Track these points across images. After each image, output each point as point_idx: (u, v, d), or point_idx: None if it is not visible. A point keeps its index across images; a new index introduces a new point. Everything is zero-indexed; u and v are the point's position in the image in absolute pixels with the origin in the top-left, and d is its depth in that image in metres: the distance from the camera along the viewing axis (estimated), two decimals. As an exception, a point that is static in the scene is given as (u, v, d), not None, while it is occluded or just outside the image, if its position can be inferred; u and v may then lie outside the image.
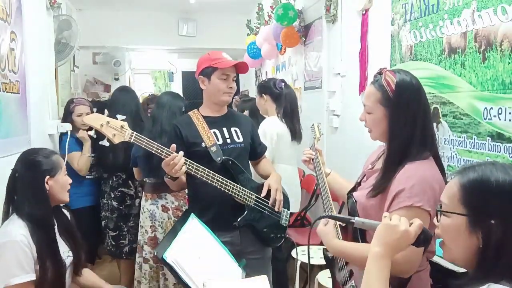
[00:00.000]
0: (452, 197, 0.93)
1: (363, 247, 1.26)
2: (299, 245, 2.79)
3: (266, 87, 2.99)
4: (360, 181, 1.51)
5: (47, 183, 1.67)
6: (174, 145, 1.75)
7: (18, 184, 1.66)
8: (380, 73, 1.37)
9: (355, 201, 1.41)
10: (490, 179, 0.89)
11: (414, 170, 1.25)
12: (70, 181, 1.81)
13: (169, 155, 1.72)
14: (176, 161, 1.71)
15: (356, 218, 1.14)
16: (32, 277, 1.56)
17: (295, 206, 2.92)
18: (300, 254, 2.66)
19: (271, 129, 2.79)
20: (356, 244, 1.33)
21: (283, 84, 2.96)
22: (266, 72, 5.65)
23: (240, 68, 1.98)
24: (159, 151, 1.73)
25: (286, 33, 3.82)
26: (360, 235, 1.35)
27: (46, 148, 1.88)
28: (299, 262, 2.66)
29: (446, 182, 1.27)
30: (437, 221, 0.97)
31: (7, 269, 1.52)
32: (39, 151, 1.76)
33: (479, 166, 0.93)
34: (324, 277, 2.47)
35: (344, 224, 1.47)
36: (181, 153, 1.74)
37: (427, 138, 1.31)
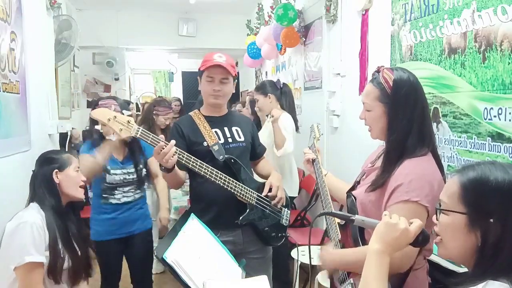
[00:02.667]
0: (452, 196, 0.94)
1: (363, 249, 1.27)
2: (299, 245, 2.79)
3: (269, 88, 3.25)
4: (360, 179, 1.51)
5: (56, 176, 1.78)
6: (162, 136, 1.75)
7: (36, 180, 1.79)
8: (378, 71, 1.39)
9: (355, 198, 1.41)
10: (489, 178, 0.90)
11: (413, 166, 1.26)
12: (84, 178, 1.87)
13: (157, 142, 1.70)
14: (167, 150, 1.69)
15: (356, 216, 1.15)
16: (44, 259, 1.62)
17: (295, 190, 3.27)
18: (300, 255, 2.66)
19: (290, 124, 3.10)
20: (356, 249, 1.33)
21: (281, 83, 3.32)
22: (266, 72, 5.65)
23: (228, 68, 1.90)
24: (154, 141, 1.71)
25: (286, 33, 3.83)
26: (360, 234, 1.35)
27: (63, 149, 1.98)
28: (299, 263, 2.66)
29: (444, 179, 1.28)
30: (436, 219, 0.98)
31: (22, 247, 1.58)
32: (53, 150, 1.93)
33: (478, 165, 0.94)
34: (324, 277, 2.47)
35: (343, 222, 1.47)
36: (173, 142, 1.72)
37: (425, 134, 1.32)
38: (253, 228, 1.98)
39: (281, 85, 3.27)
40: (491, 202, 0.88)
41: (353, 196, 1.43)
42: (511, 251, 0.85)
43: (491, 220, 0.87)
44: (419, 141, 1.30)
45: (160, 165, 1.78)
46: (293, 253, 2.89)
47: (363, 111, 1.42)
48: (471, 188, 0.91)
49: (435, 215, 1.00)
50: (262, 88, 3.28)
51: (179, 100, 5.34)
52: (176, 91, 8.89)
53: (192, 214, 1.70)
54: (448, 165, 1.92)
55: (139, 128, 1.71)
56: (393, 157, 1.32)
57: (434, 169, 1.29)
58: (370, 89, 1.38)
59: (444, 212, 0.95)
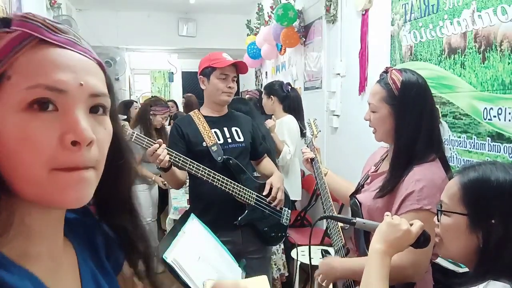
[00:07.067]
0: (453, 197, 0.93)
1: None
2: (298, 245, 2.78)
3: (274, 90, 3.26)
4: (364, 183, 1.49)
5: None
6: (160, 140, 1.75)
7: None
8: (386, 71, 1.35)
9: (359, 203, 1.39)
10: (490, 178, 0.89)
11: (423, 172, 1.24)
12: None
13: (151, 145, 1.72)
14: (159, 152, 1.70)
15: (358, 219, 1.15)
16: None
17: (297, 194, 3.27)
18: (300, 255, 2.66)
19: (293, 127, 3.13)
20: (361, 259, 1.31)
21: (289, 87, 3.29)
22: (266, 72, 5.65)
23: (240, 68, 1.98)
24: (149, 144, 1.72)
25: (286, 33, 3.83)
26: (365, 242, 1.33)
27: None
28: (299, 263, 2.65)
29: None
30: (438, 221, 0.97)
31: None
32: None
33: (479, 165, 0.93)
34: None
35: (347, 227, 1.46)
36: (163, 145, 1.73)
37: (433, 139, 1.29)
38: (253, 228, 1.98)
39: (288, 89, 3.26)
40: (492, 202, 0.87)
41: (357, 200, 1.41)
42: None
43: (493, 221, 0.86)
44: (428, 147, 1.27)
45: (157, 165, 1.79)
46: (293, 253, 2.89)
47: (368, 112, 1.39)
48: (471, 189, 0.90)
49: (436, 216, 0.99)
50: (268, 89, 3.31)
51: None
52: (176, 91, 8.90)
53: (192, 214, 1.70)
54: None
55: (134, 133, 1.71)
56: (401, 162, 1.29)
57: (443, 175, 1.26)
58: (377, 90, 1.34)
59: (445, 214, 0.94)
